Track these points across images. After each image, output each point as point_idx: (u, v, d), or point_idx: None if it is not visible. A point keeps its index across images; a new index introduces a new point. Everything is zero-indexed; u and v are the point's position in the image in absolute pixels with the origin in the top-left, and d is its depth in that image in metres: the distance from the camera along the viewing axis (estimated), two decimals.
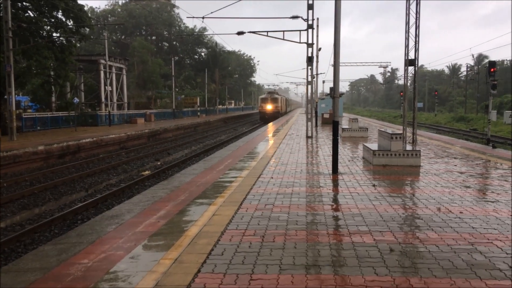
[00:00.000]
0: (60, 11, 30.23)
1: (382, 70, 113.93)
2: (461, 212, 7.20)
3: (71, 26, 31.08)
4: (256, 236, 5.94)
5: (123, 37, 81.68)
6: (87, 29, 45.14)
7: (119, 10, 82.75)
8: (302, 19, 21.90)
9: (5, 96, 24.77)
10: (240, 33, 24.13)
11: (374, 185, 9.56)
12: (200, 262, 4.95)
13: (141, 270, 4.75)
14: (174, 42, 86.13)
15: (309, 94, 26.63)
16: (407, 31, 13.46)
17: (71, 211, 11.52)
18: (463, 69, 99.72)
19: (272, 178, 10.53)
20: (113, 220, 6.84)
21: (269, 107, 56.49)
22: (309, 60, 22.12)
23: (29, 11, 29.64)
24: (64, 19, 30.87)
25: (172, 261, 4.98)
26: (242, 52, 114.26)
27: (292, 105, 78.52)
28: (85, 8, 38.53)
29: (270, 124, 39.46)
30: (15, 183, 15.76)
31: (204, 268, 4.78)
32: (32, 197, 13.51)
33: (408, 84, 16.44)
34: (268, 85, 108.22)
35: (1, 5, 25.09)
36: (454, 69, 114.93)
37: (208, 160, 14.33)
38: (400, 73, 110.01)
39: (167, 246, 5.54)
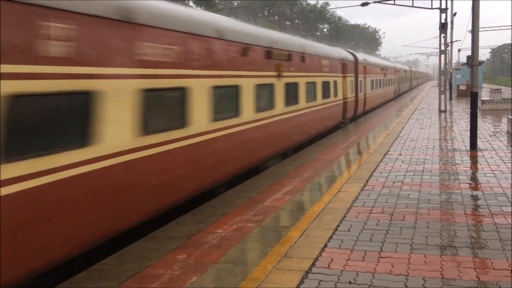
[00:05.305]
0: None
1: None
2: None
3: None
4: (384, 214, 5.76)
5: (248, 18, 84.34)
6: None
7: None
8: None
9: None
10: (364, 4, 23.09)
11: None
12: (326, 237, 4.99)
13: (270, 241, 4.96)
14: (296, 20, 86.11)
15: (442, 65, 24.54)
16: None
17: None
18: None
19: (400, 155, 10.03)
20: (243, 194, 7.23)
21: None
22: (442, 27, 20.35)
23: None
24: (194, 6, 33.08)
25: (299, 235, 5.10)
26: (366, 25, 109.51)
27: (417, 79, 72.05)
28: None
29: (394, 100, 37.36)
30: None
31: (330, 243, 4.80)
32: None
33: None
34: (395, 58, 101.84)
35: None
36: None
37: (331, 136, 14.20)
38: None
39: (294, 220, 5.68)
